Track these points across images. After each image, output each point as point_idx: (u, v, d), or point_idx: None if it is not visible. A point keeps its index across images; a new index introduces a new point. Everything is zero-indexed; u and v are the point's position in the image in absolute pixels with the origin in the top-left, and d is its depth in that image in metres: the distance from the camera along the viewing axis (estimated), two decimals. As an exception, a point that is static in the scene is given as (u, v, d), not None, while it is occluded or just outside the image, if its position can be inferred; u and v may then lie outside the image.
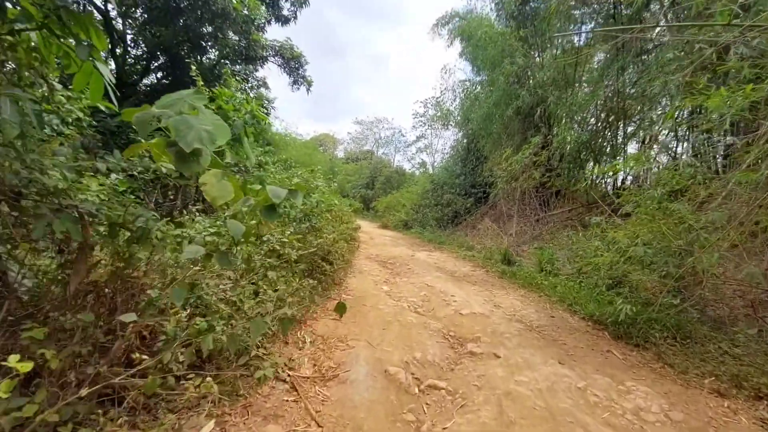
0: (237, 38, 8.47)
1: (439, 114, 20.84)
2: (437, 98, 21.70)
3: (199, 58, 9.60)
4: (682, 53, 6.18)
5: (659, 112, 9.78)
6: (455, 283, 6.88)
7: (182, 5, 8.35)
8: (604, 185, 12.14)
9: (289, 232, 3.77)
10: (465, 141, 19.43)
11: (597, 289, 5.41)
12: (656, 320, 4.40)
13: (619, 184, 11.36)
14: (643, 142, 10.49)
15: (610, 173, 10.49)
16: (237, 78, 6.26)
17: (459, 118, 19.06)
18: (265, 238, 3.40)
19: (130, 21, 10.85)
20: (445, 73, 21.32)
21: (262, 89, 12.62)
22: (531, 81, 13.10)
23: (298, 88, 11.28)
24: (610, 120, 10.88)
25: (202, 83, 5.97)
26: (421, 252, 10.93)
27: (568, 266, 7.28)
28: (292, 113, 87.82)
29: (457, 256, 10.44)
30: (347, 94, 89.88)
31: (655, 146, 8.97)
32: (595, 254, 5.77)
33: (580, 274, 6.40)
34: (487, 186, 16.51)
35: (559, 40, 13.24)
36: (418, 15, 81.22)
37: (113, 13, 10.60)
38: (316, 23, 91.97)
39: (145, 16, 10.01)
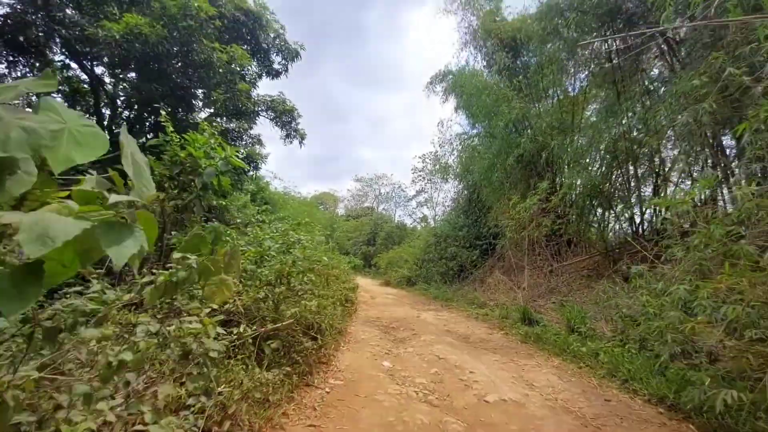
0: (223, 89, 7.98)
1: (437, 167, 20.42)
2: (435, 153, 21.48)
3: (187, 114, 9.08)
4: (707, 80, 5.48)
5: (672, 149, 9.10)
6: (471, 352, 5.57)
7: (171, 59, 7.95)
8: (619, 231, 11.10)
9: (204, 313, 2.60)
10: (466, 192, 18.76)
11: (657, 360, 4.12)
12: (756, 404, 3.11)
13: (635, 228, 10.33)
14: (656, 182, 9.66)
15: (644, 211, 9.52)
16: (214, 125, 5.51)
17: (458, 170, 18.57)
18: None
19: (124, 84, 10.58)
20: (442, 127, 21.25)
21: (257, 146, 12.14)
22: (529, 130, 12.67)
23: (291, 142, 10.72)
24: (620, 162, 10.11)
25: (173, 130, 5.21)
26: (428, 312, 9.59)
27: (605, 326, 5.99)
28: (294, 176, 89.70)
29: (468, 315, 9.11)
30: (349, 154, 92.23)
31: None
32: (645, 311, 4.57)
33: (625, 337, 5.12)
34: (493, 237, 15.50)
35: (554, 90, 13.06)
36: (415, 78, 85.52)
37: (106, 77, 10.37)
38: (319, 91, 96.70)
39: (136, 78, 9.70)
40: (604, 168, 10.73)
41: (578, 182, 9.65)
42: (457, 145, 18.34)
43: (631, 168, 10.12)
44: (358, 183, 36.96)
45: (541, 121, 11.80)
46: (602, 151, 10.68)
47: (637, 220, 10.22)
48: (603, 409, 3.57)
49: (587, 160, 11.06)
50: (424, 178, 24.31)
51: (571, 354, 5.21)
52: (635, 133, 9.35)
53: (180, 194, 5.12)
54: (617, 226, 11.16)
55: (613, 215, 10.75)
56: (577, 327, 6.05)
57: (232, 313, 3.44)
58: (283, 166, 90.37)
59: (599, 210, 11.18)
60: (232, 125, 11.71)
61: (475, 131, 16.77)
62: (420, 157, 23.37)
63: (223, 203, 5.62)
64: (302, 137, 10.82)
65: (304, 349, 3.56)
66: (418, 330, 7.05)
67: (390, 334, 6.71)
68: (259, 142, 12.06)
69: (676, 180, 9.37)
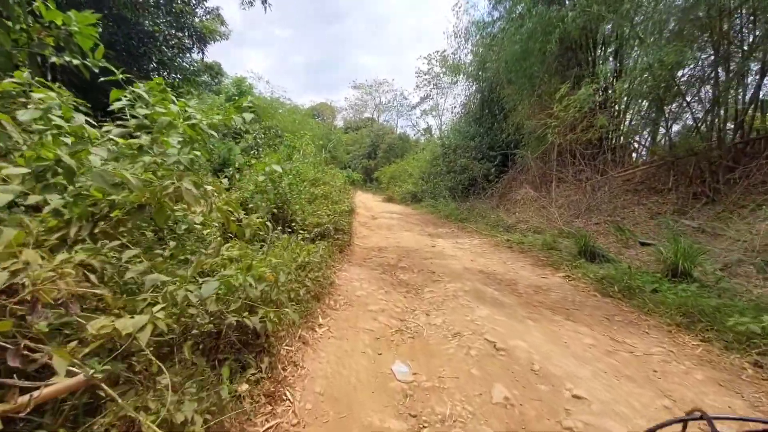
0: None
1: (447, 66, 16.45)
2: (443, 52, 17.23)
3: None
4: None
5: None
6: (536, 318, 3.15)
7: None
8: (689, 134, 8.13)
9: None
10: (479, 96, 15.18)
11: None
12: None
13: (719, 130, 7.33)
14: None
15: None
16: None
17: (472, 68, 14.74)
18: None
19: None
20: (458, 10, 16.63)
21: (216, 24, 8.55)
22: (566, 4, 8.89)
23: (252, 3, 7.17)
24: (713, 35, 6.66)
25: None
26: (444, 237, 7.17)
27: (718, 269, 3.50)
28: (290, 87, 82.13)
29: (497, 243, 6.67)
30: (347, 61, 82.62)
31: None
32: None
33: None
34: (512, 146, 12.51)
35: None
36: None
37: None
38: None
39: None
40: (683, 46, 7.31)
41: (670, 58, 6.23)
42: (473, 36, 14.29)
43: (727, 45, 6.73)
44: (356, 90, 32.33)
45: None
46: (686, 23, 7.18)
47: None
48: None
49: (663, 35, 7.61)
50: (429, 82, 20.30)
51: (721, 332, 2.78)
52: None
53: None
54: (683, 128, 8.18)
55: (688, 113, 7.66)
56: (697, 271, 3.55)
57: None
58: (277, 76, 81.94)
59: (670, 107, 8.00)
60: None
61: (497, 13, 12.69)
62: (426, 58, 19.13)
63: (77, 62, 2.66)
64: (267, -6, 7.25)
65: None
66: (438, 270, 4.64)
67: (398, 278, 4.31)
68: (218, 18, 8.42)
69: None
